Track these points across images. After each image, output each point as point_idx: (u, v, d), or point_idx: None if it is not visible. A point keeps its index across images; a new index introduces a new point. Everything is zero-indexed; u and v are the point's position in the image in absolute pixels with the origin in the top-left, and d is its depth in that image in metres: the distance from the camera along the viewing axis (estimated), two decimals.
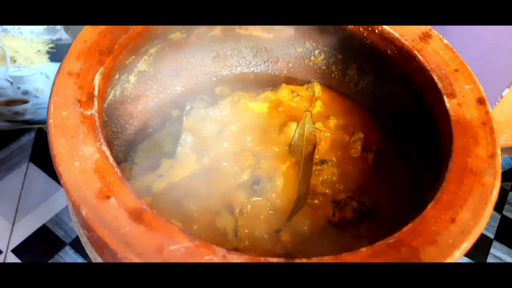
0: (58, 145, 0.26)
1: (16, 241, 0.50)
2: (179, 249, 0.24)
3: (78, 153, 0.26)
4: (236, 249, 0.34)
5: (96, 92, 0.30)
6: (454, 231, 0.26)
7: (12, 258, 0.49)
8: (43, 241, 0.50)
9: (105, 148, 0.27)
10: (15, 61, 0.48)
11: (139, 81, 0.42)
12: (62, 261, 0.49)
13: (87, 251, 0.31)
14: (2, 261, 0.48)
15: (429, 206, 0.27)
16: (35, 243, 0.50)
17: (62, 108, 0.28)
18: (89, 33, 0.33)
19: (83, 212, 0.24)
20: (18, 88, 0.51)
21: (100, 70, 0.31)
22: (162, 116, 0.43)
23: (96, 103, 0.29)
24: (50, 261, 0.49)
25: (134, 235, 0.24)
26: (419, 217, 0.26)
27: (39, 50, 0.49)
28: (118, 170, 0.26)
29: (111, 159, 0.27)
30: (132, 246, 0.23)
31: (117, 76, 0.38)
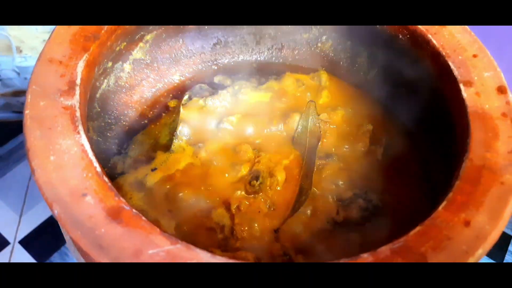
0: (33, 138, 0.24)
1: (23, 232, 0.49)
2: (158, 253, 0.21)
3: (55, 146, 0.25)
4: (231, 248, 0.32)
5: (78, 81, 0.28)
6: (468, 235, 0.23)
7: (19, 250, 0.48)
8: (50, 233, 0.49)
9: (84, 141, 0.25)
10: (21, 51, 0.47)
11: (134, 70, 0.41)
12: (68, 253, 0.48)
13: (71, 251, 0.29)
14: (9, 252, 0.47)
15: (440, 207, 0.24)
16: (42, 234, 0.49)
17: (41, 98, 0.26)
18: None
19: (55, 212, 0.22)
20: (25, 78, 0.50)
21: (84, 57, 0.29)
22: (159, 107, 0.42)
23: (78, 92, 0.27)
24: (56, 253, 0.48)
25: (109, 237, 0.22)
26: (428, 220, 0.24)
27: (44, 40, 0.48)
28: (98, 165, 0.24)
29: (90, 153, 0.25)
30: (107, 250, 0.21)
31: (110, 64, 0.37)
